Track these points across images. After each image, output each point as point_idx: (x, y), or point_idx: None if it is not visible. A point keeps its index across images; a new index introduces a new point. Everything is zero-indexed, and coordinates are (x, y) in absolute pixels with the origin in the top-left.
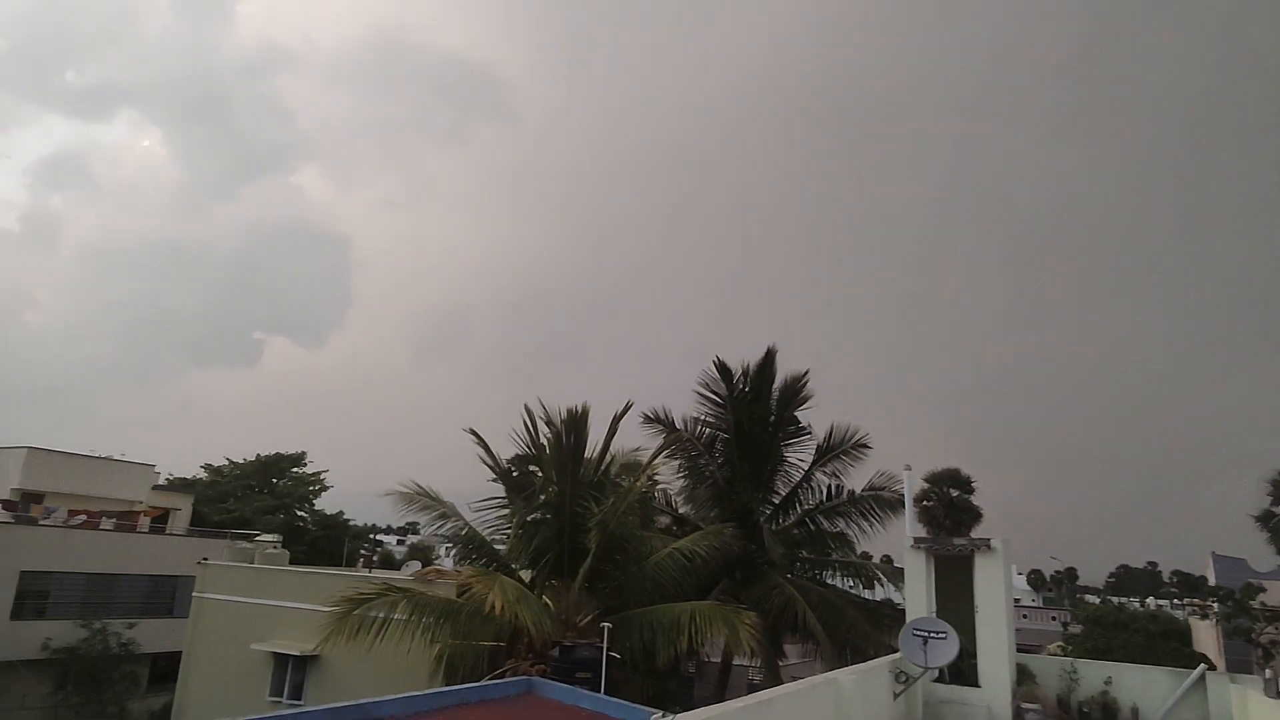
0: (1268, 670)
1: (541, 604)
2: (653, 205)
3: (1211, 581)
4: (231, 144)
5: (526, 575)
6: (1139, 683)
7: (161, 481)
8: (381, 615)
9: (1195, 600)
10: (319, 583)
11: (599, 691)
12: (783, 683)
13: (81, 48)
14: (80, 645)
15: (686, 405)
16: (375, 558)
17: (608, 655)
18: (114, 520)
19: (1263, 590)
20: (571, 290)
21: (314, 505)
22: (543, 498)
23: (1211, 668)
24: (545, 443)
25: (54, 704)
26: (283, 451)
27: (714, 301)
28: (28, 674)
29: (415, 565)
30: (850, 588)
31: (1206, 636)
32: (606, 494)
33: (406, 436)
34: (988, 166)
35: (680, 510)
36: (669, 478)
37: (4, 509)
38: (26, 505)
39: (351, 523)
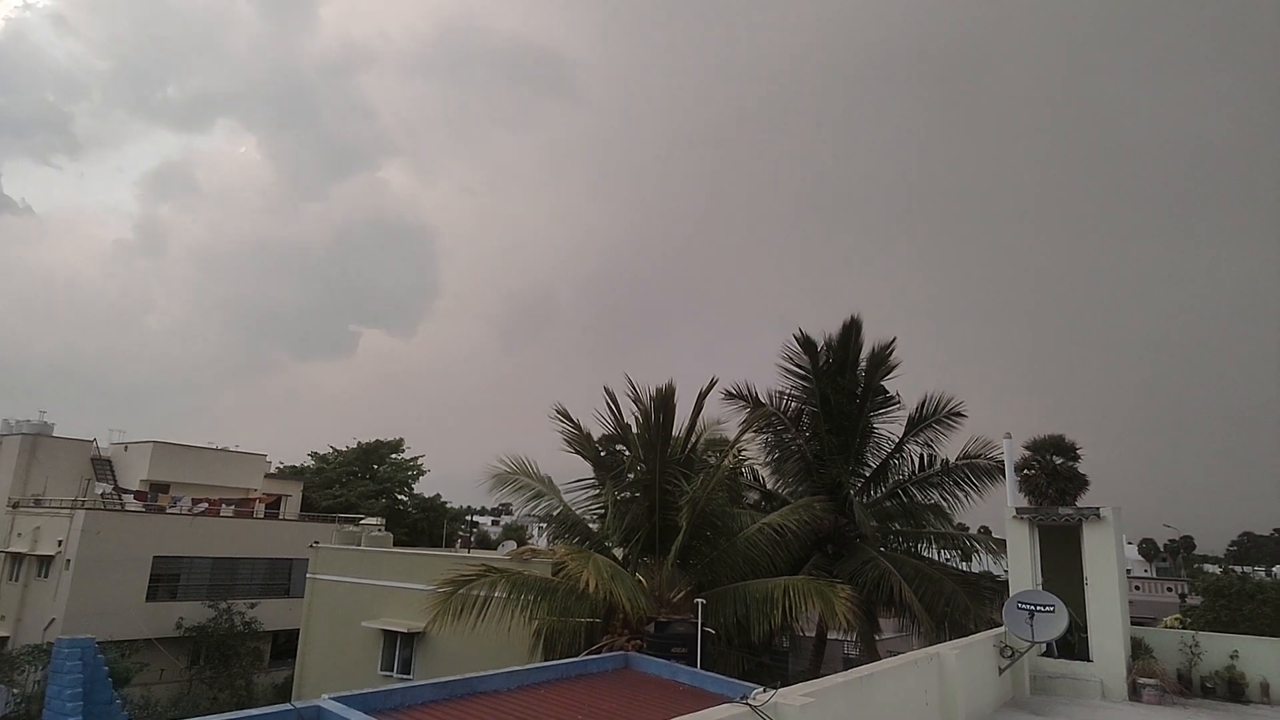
0: None
1: (635, 581)
2: (728, 177)
3: None
4: (319, 144)
5: (619, 553)
6: (1271, 656)
7: (273, 470)
8: (482, 594)
9: None
10: (421, 563)
11: (695, 666)
12: (880, 658)
13: (177, 61)
14: (209, 624)
15: (771, 380)
16: (472, 538)
17: (702, 630)
18: (233, 507)
19: None
20: (651, 267)
21: (413, 489)
22: (631, 476)
23: None
24: (633, 421)
25: (189, 678)
26: (382, 439)
27: (797, 272)
28: (165, 650)
29: (510, 545)
30: (947, 560)
31: None
32: (695, 471)
33: (497, 419)
34: (1092, 112)
35: (768, 486)
36: (756, 453)
37: (135, 499)
38: (155, 495)
39: (449, 505)
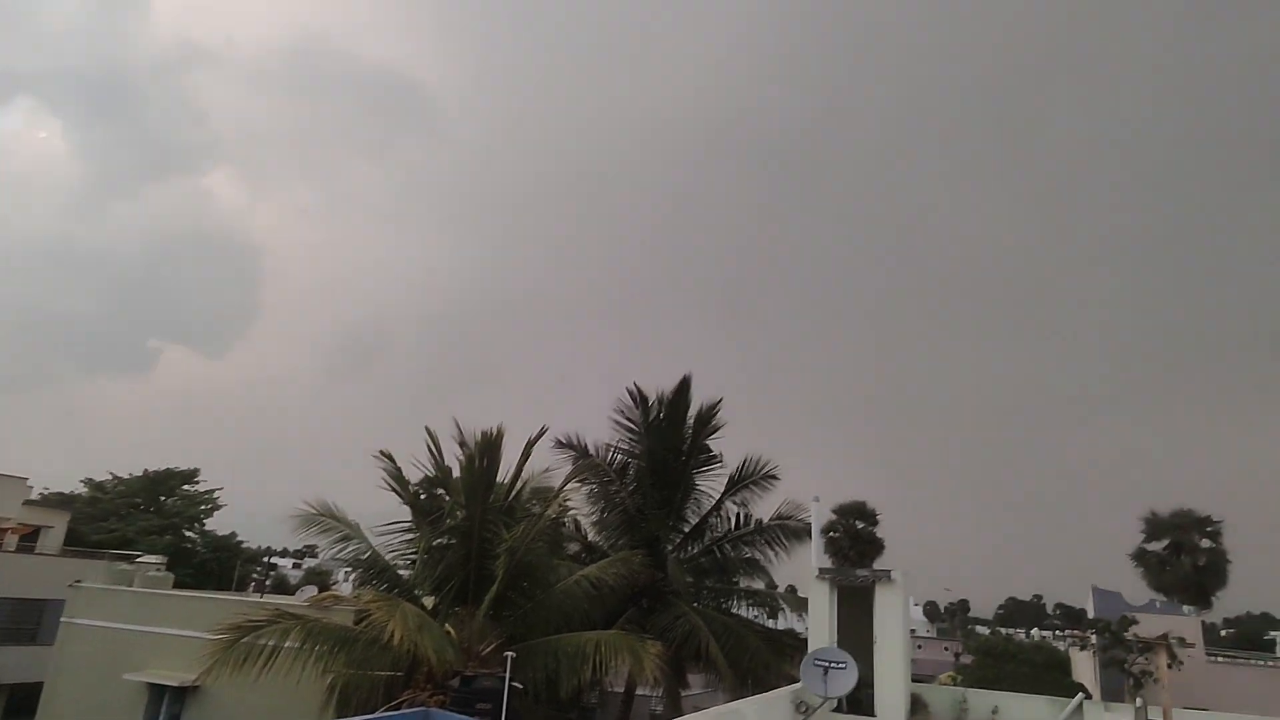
0: (1138, 699)
1: (444, 632)
2: (579, 232)
3: (1091, 614)
4: (137, 141)
5: (430, 602)
6: (1024, 712)
7: (34, 496)
8: (271, 643)
9: (1076, 631)
10: (205, 608)
11: None
12: (684, 713)
13: None
14: None
15: (602, 432)
16: (268, 582)
17: (510, 685)
18: None
19: (1135, 622)
20: (494, 312)
21: (205, 526)
22: (450, 522)
23: (1089, 697)
24: (458, 465)
25: None
26: (174, 467)
27: (634, 329)
28: None
29: (311, 590)
30: (755, 617)
31: (1085, 666)
32: (517, 520)
33: (311, 456)
34: (900, 206)
35: (590, 537)
36: (580, 504)
37: None
38: None
39: (245, 545)
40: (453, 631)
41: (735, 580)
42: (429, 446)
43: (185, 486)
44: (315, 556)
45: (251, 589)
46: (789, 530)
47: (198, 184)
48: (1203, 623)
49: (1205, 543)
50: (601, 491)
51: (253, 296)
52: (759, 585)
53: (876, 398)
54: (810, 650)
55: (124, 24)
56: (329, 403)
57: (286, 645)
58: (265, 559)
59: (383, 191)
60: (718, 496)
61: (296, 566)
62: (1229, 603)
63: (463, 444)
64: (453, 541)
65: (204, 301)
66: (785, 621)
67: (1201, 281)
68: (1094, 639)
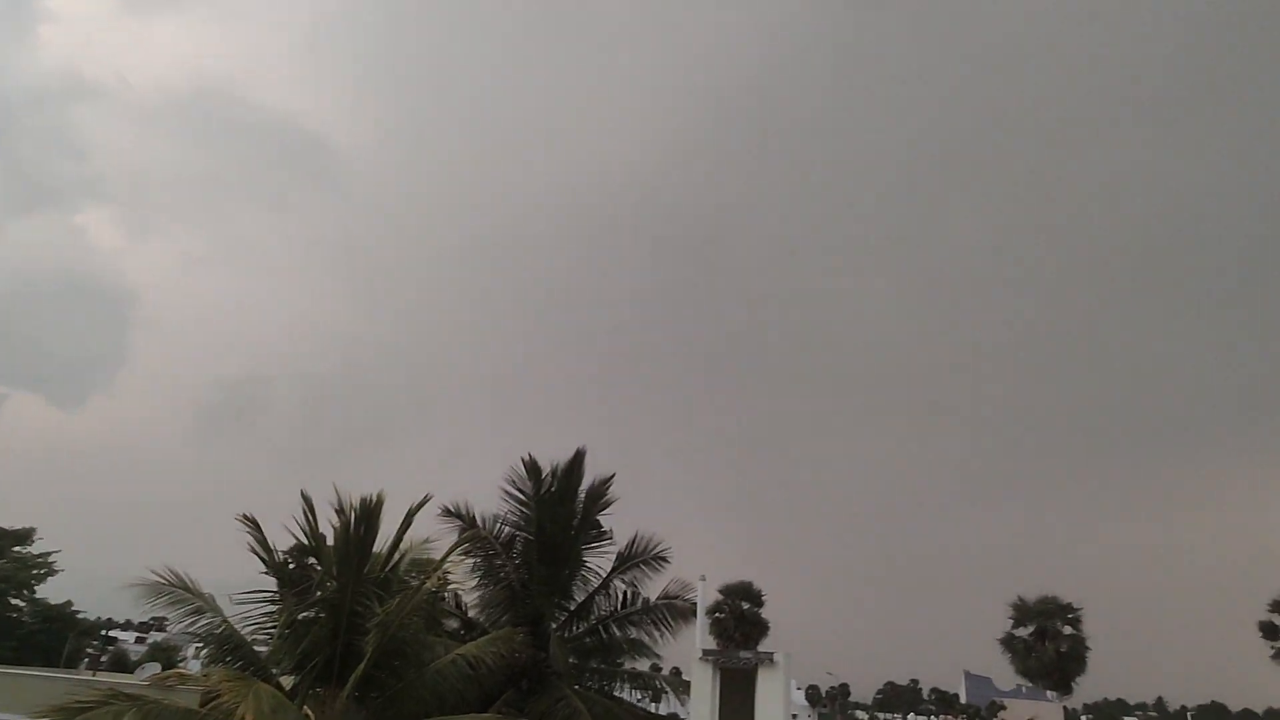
0: None
1: (302, 715)
2: (475, 300)
3: (963, 699)
4: (7, 172)
5: (289, 682)
6: None
7: None
8: None
9: (949, 717)
10: (25, 686)
11: None
12: None
13: None
14: None
15: (491, 504)
16: (104, 658)
17: None
18: None
19: (1003, 708)
20: (383, 376)
21: (35, 593)
22: (320, 594)
23: None
24: (333, 533)
25: None
26: (5, 526)
27: (529, 402)
28: None
29: (154, 667)
30: (639, 700)
31: None
32: (393, 593)
33: (169, 519)
34: (795, 296)
35: (471, 614)
36: (463, 578)
37: None
38: None
39: (81, 615)
40: (311, 715)
41: (620, 661)
42: (303, 511)
43: (16, 548)
44: (163, 630)
45: (84, 665)
46: (675, 610)
47: (70, 221)
48: (1065, 708)
49: (1068, 629)
50: (486, 565)
51: (119, 345)
52: (644, 667)
53: (767, 481)
54: None
55: (5, 50)
56: (195, 462)
57: None
58: (103, 632)
59: (276, 244)
60: (606, 574)
61: (140, 640)
62: (1088, 688)
63: (340, 510)
64: (320, 615)
65: (62, 347)
66: (668, 705)
67: (1071, 382)
68: None
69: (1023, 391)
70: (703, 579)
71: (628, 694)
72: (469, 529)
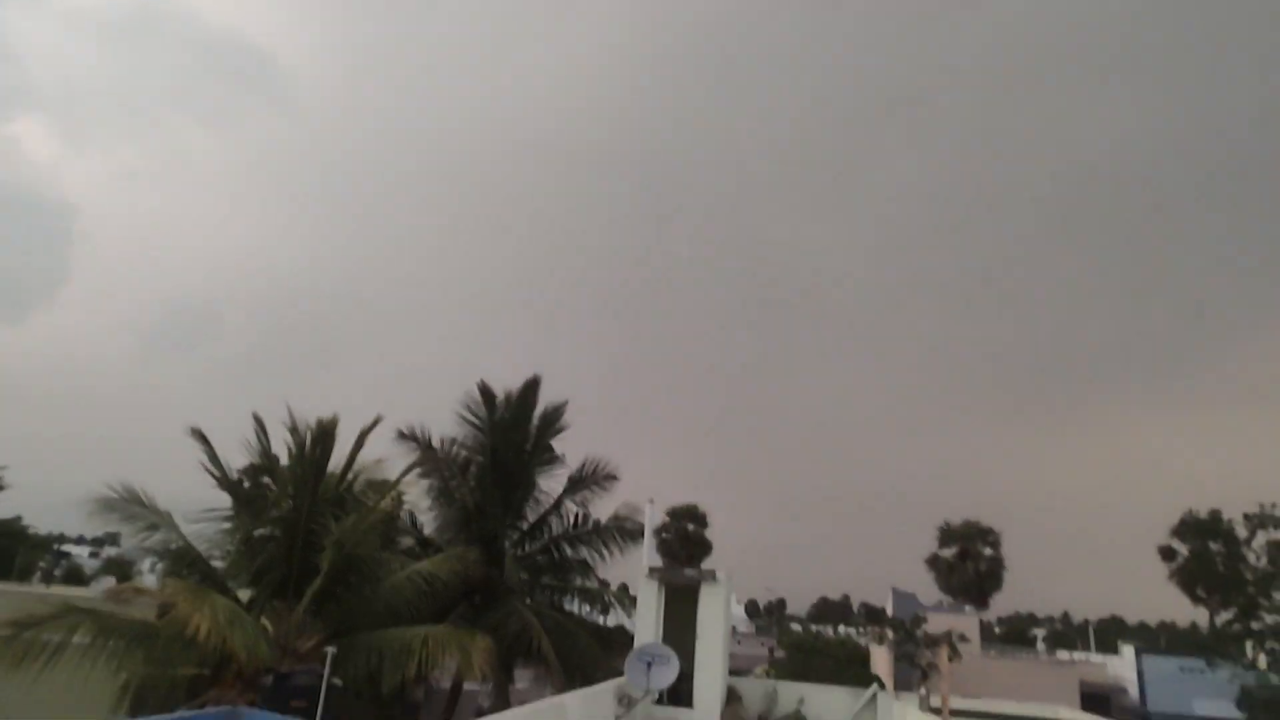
0: (923, 689)
1: (259, 627)
2: (432, 220)
3: (890, 613)
4: None
5: (246, 595)
6: (824, 701)
7: None
8: (57, 639)
9: (875, 629)
10: None
11: None
12: (511, 706)
13: None
14: None
15: (447, 428)
16: (58, 571)
17: (329, 682)
18: None
19: (925, 621)
20: (338, 296)
21: None
22: (275, 512)
23: (883, 687)
24: (287, 453)
25: None
26: None
27: (485, 326)
28: None
29: (109, 581)
30: (588, 614)
31: (882, 660)
32: (348, 512)
33: (119, 436)
34: (749, 230)
35: (426, 533)
36: (419, 499)
37: None
38: None
39: (31, 530)
40: (269, 627)
41: (571, 578)
42: (256, 432)
43: None
44: (117, 545)
45: (36, 579)
46: (624, 531)
47: (2, 130)
48: (980, 621)
49: (987, 551)
50: (442, 486)
51: (61, 260)
52: (593, 584)
53: (716, 411)
54: (636, 645)
55: None
56: (146, 380)
57: (76, 641)
58: (55, 546)
59: (221, 160)
60: (558, 496)
61: (94, 555)
62: (1002, 603)
63: (293, 430)
64: (276, 533)
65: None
66: (617, 619)
67: (1001, 324)
68: (890, 636)
69: (956, 332)
70: (651, 502)
71: (577, 608)
72: (425, 451)
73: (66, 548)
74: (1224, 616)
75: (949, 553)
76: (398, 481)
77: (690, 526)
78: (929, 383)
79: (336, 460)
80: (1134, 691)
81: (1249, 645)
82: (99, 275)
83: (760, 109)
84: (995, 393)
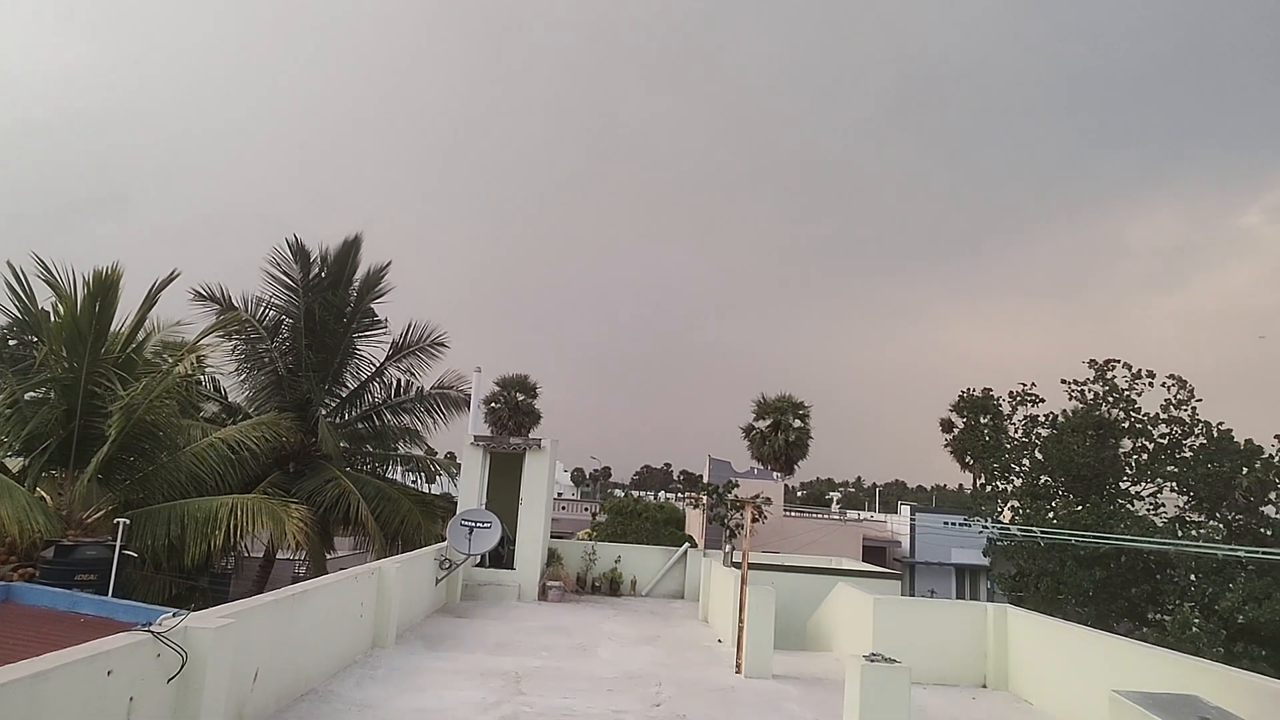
0: (728, 546)
1: (34, 498)
2: (247, 48)
3: (706, 479)
4: None
5: (17, 464)
6: (640, 560)
7: None
8: None
9: (692, 494)
10: None
11: (106, 594)
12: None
13: None
14: None
15: (254, 286)
16: None
17: (123, 554)
18: None
19: (736, 485)
20: (120, 129)
21: None
22: (48, 375)
23: (694, 546)
24: (53, 309)
25: None
26: None
27: (304, 174)
28: None
29: None
30: (413, 482)
31: (696, 522)
32: (138, 375)
33: None
34: (598, 101)
35: (232, 399)
36: (222, 362)
37: None
38: None
39: None
40: (47, 497)
41: (394, 446)
42: (13, 284)
43: None
44: None
45: None
46: (450, 400)
47: None
48: (786, 486)
49: (797, 423)
50: (249, 350)
51: None
52: (418, 452)
53: (553, 280)
54: (459, 512)
55: None
56: None
57: None
58: None
59: None
60: (380, 362)
61: None
62: (806, 470)
63: (52, 284)
64: (50, 396)
65: None
66: (441, 487)
67: (824, 211)
68: (704, 499)
69: (783, 216)
70: (478, 370)
71: (400, 476)
72: (228, 311)
73: None
74: (984, 481)
75: (763, 424)
76: (196, 341)
77: (520, 397)
78: (755, 266)
79: (123, 318)
80: (906, 544)
81: (1000, 504)
82: None
83: None
84: (818, 277)
